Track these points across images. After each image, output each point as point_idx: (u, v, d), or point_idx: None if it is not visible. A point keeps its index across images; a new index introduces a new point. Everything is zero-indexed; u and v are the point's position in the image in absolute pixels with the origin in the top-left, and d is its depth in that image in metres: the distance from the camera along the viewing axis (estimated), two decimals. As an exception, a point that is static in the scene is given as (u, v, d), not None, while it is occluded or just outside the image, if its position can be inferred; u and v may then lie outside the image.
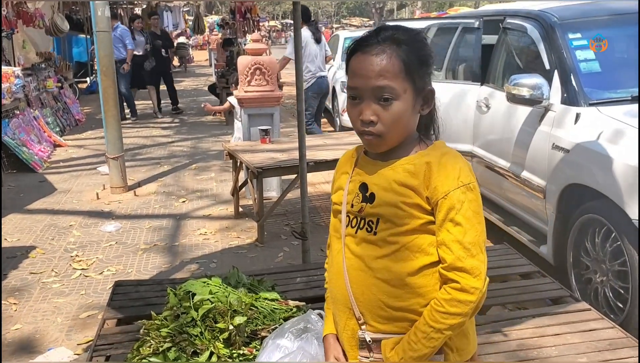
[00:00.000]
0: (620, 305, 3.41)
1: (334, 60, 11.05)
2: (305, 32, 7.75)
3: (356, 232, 1.49)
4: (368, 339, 1.48)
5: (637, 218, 3.15)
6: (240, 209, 5.79)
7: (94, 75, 14.93)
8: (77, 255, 4.89)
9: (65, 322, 3.82)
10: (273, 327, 2.16)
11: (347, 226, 1.52)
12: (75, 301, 4.09)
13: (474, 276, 1.38)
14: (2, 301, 4.03)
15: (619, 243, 3.36)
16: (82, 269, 4.62)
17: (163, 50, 11.89)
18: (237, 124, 6.74)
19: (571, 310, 2.61)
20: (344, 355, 1.59)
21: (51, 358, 3.40)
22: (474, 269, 1.38)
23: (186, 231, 5.42)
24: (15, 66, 9.79)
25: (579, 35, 4.20)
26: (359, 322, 1.49)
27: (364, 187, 1.50)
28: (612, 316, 3.38)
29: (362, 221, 1.48)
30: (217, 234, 5.32)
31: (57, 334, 3.68)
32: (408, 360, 1.41)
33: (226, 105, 7.20)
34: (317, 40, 8.02)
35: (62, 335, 3.67)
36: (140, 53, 11.27)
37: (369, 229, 1.47)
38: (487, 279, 1.41)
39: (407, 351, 1.41)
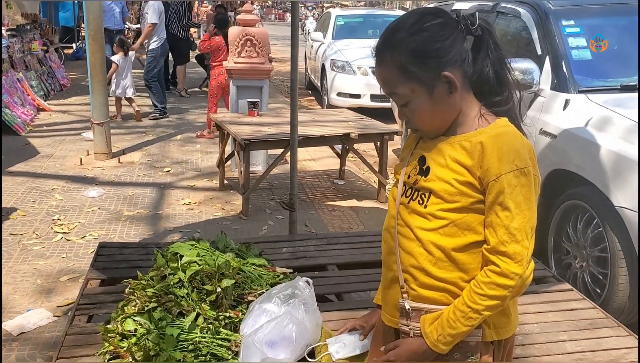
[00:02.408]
0: (598, 290, 3.47)
1: (324, 38, 10.97)
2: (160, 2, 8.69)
3: (408, 202, 1.51)
4: (407, 307, 1.50)
5: (621, 205, 3.20)
6: (225, 181, 5.76)
7: (80, 41, 14.69)
8: (58, 219, 4.85)
9: (45, 284, 3.79)
10: (260, 291, 2.16)
11: (402, 195, 1.55)
12: (55, 264, 4.06)
13: (515, 262, 1.38)
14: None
15: (600, 229, 3.41)
16: (64, 233, 4.58)
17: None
18: (121, 81, 8.34)
19: (553, 290, 2.66)
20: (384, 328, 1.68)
21: (30, 318, 3.38)
22: (517, 254, 1.38)
23: (170, 201, 5.39)
24: (-1, 26, 9.58)
25: (572, 22, 4.21)
26: (402, 289, 1.52)
27: (422, 160, 1.51)
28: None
29: (416, 192, 1.50)
30: (201, 205, 5.30)
31: (37, 295, 3.65)
32: (447, 337, 1.43)
33: (114, 67, 8.41)
34: None
35: (41, 296, 3.64)
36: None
37: (421, 201, 1.48)
38: (532, 264, 1.42)
39: (446, 328, 1.43)
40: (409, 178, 1.53)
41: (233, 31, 6.03)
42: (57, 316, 3.43)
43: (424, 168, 1.49)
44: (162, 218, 4.97)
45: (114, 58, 8.45)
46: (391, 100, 7.45)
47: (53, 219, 4.83)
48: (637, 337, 2.27)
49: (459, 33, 1.43)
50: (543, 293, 2.61)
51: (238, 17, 6.32)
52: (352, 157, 6.24)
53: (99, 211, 5.07)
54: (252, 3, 7.20)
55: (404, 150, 1.64)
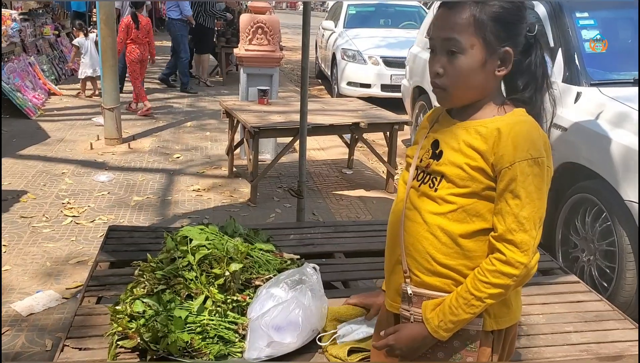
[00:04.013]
0: (605, 284, 3.47)
1: (335, 26, 10.93)
2: None
3: (419, 186, 1.51)
4: (410, 292, 1.50)
5: (631, 200, 3.19)
6: (234, 169, 5.78)
7: (91, 26, 14.66)
8: (68, 202, 4.88)
9: (55, 267, 3.82)
10: (267, 276, 2.18)
11: (413, 178, 1.55)
12: (65, 247, 4.10)
13: (521, 251, 1.38)
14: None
15: (609, 223, 3.40)
16: (73, 216, 4.62)
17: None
18: (88, 62, 8.74)
19: (560, 282, 2.66)
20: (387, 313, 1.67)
21: (39, 300, 3.42)
22: (523, 244, 1.38)
23: (179, 187, 5.41)
24: (12, 9, 9.62)
25: (586, 14, 4.18)
26: (405, 274, 1.52)
27: (435, 144, 1.52)
28: (596, 294, 3.44)
29: (427, 176, 1.50)
30: (210, 192, 5.32)
31: (46, 277, 3.69)
32: (448, 324, 1.43)
33: (74, 50, 9.19)
34: None
35: (50, 279, 3.68)
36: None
37: (431, 185, 1.48)
38: (538, 255, 1.42)
39: (448, 315, 1.43)
40: (421, 161, 1.53)
41: (244, 18, 6.02)
42: (65, 298, 3.46)
43: (437, 151, 1.49)
44: (171, 203, 5.00)
45: (75, 41, 9.13)
46: (402, 89, 7.47)
47: (63, 203, 4.87)
48: (638, 329, 2.27)
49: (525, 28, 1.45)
50: (550, 284, 2.61)
51: (249, 4, 6.30)
52: (360, 147, 6.24)
53: (109, 195, 5.10)
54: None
55: (418, 133, 1.63)
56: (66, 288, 3.57)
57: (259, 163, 5.14)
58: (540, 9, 4.39)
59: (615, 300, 3.31)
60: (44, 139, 6.73)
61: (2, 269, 3.72)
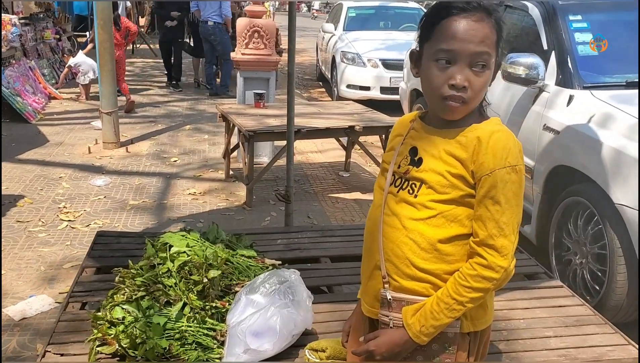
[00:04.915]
0: (597, 287, 3.45)
1: (335, 29, 10.94)
2: None
3: (398, 192, 1.54)
4: (389, 297, 1.52)
5: (621, 203, 3.18)
6: (231, 172, 5.80)
7: (93, 29, 14.72)
8: (64, 207, 4.91)
9: (49, 271, 3.85)
10: (247, 283, 2.19)
11: (390, 184, 1.56)
12: (60, 252, 4.12)
13: (501, 255, 1.42)
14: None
15: (600, 226, 3.39)
16: (69, 221, 4.64)
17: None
18: (82, 68, 9.11)
19: (543, 287, 2.65)
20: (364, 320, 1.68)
21: (32, 304, 3.44)
22: (503, 248, 1.42)
23: (175, 190, 5.43)
24: (12, 13, 9.67)
25: (579, 17, 4.18)
26: (384, 279, 1.54)
27: (414, 151, 1.54)
28: (587, 297, 3.43)
29: (406, 182, 1.52)
30: (206, 195, 5.33)
31: (40, 282, 3.71)
32: (429, 328, 1.45)
33: (66, 70, 9.64)
34: None
35: (44, 283, 3.70)
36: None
37: (411, 191, 1.50)
38: (515, 260, 1.46)
39: (429, 320, 1.45)
40: (399, 167, 1.55)
41: (241, 22, 6.04)
42: (58, 302, 3.48)
43: (416, 158, 1.51)
44: (167, 207, 5.01)
45: (69, 62, 9.50)
46: (400, 91, 7.47)
47: (59, 207, 4.89)
48: (638, 336, 2.26)
49: None
50: (533, 289, 2.61)
51: (246, 8, 6.32)
52: (358, 149, 6.24)
53: (105, 200, 5.12)
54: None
55: (392, 140, 1.65)
56: (59, 293, 3.59)
57: (257, 165, 5.15)
58: (535, 12, 4.39)
59: (606, 304, 3.30)
60: (43, 143, 6.77)
61: (-3, 273, 3.75)
